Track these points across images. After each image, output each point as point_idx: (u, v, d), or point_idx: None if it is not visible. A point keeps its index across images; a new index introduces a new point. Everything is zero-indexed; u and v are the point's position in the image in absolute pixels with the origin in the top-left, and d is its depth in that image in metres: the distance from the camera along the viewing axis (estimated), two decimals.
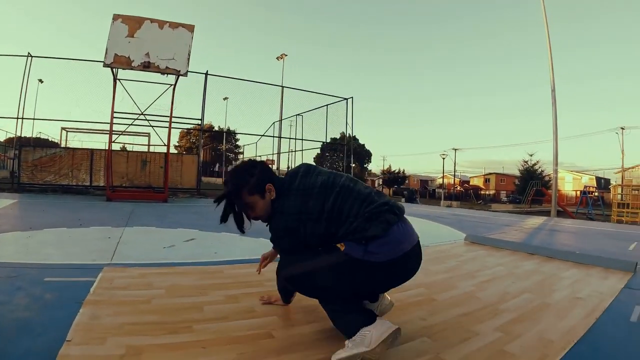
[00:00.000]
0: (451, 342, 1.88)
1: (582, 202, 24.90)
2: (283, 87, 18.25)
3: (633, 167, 43.50)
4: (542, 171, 37.23)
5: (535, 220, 12.10)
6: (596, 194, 33.96)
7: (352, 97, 18.30)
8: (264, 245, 4.33)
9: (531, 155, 39.17)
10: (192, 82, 14.24)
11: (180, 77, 10.55)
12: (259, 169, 1.82)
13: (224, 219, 1.83)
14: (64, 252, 3.56)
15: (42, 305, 2.07)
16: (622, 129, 36.40)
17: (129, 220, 6.26)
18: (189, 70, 10.44)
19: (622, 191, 20.90)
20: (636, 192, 19.09)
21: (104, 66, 9.89)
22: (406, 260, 1.67)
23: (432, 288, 2.91)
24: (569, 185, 50.64)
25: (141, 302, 2.14)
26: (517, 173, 45.67)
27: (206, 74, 14.54)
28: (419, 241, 1.77)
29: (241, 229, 1.88)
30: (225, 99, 19.69)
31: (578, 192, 31.14)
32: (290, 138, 20.82)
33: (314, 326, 1.98)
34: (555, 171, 16.17)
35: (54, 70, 13.09)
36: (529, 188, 30.65)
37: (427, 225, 8.31)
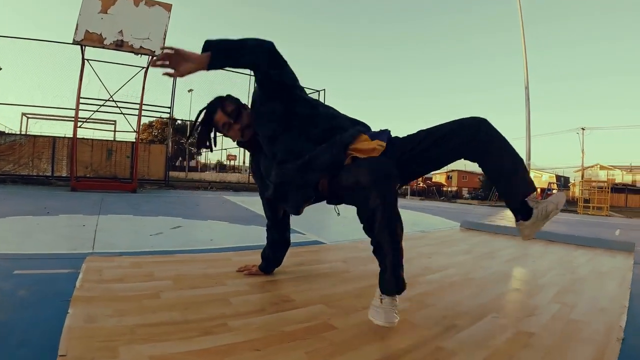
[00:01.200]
0: (519, 316, 1.76)
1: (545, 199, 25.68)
2: (251, 76, 17.42)
3: (592, 166, 45.62)
4: None
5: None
6: (555, 191, 35.44)
7: (324, 89, 17.86)
8: (257, 232, 4.01)
9: None
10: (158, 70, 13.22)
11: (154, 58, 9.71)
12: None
13: (202, 142, 1.82)
14: (34, 240, 2.95)
15: (16, 305, 1.53)
16: (583, 129, 37.63)
17: (101, 208, 5.60)
18: None
19: (581, 187, 22.67)
20: (600, 188, 20.23)
21: (73, 43, 8.84)
22: None
23: (462, 268, 2.76)
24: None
25: (147, 296, 1.64)
26: (478, 170, 44.95)
27: None
28: None
29: (210, 146, 1.86)
30: (190, 90, 18.61)
31: (539, 189, 31.87)
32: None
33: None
34: (528, 165, 16.43)
35: (12, 51, 11.86)
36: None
37: (418, 216, 8.11)
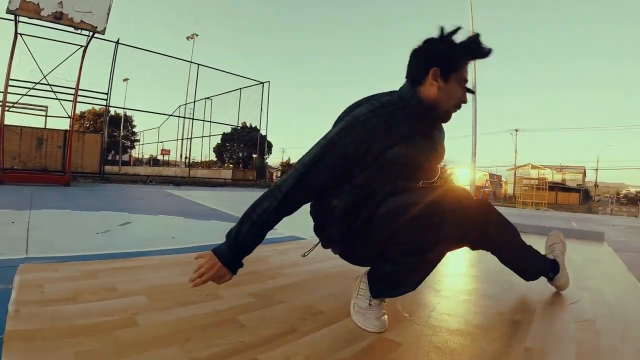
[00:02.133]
0: (564, 302, 1.70)
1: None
2: (198, 65, 16.27)
3: (524, 166, 48.50)
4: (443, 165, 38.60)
5: None
6: (488, 189, 37.49)
7: (268, 81, 17.24)
8: (221, 229, 3.46)
9: None
10: (95, 52, 11.91)
11: (93, 38, 8.67)
12: None
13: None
14: None
15: None
16: (516, 130, 39.69)
17: (32, 202, 4.77)
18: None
19: (521, 184, 24.55)
20: (539, 187, 21.77)
21: (7, 12, 7.53)
22: None
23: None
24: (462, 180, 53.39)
25: (118, 324, 1.12)
26: None
27: (117, 42, 12.45)
28: None
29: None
30: (126, 80, 17.12)
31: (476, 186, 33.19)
32: (205, 120, 18.65)
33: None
34: (474, 161, 16.91)
35: None
36: (429, 183, 31.43)
37: None
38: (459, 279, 2.08)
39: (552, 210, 19.01)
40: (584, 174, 51.72)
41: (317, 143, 1.19)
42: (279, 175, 47.91)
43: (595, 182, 53.30)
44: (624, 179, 75.67)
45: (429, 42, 1.18)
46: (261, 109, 17.40)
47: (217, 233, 3.20)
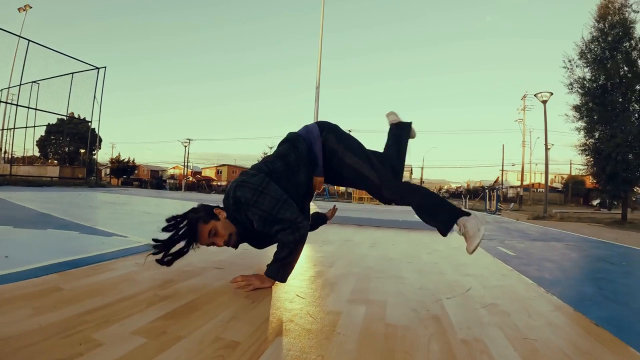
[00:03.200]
0: (461, 291, 1.86)
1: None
2: (29, 41, 13.19)
3: None
4: None
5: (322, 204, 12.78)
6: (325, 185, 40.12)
7: (105, 67, 15.03)
8: (62, 240, 2.77)
9: (270, 148, 40.15)
10: None
11: None
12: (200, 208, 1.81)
13: (167, 247, 1.74)
14: None
15: None
16: (350, 131, 42.56)
17: None
18: None
19: None
20: None
21: None
22: None
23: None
24: None
25: None
26: (247, 165, 47.30)
27: None
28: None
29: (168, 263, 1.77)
30: None
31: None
32: (30, 108, 14.98)
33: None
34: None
35: None
36: None
37: None
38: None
39: (393, 205, 21.13)
40: (411, 172, 58.91)
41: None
42: (108, 172, 42.15)
43: (421, 179, 61.84)
44: (444, 176, 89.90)
45: None
46: (94, 98, 14.94)
47: (60, 247, 2.49)
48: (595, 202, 38.47)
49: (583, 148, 12.37)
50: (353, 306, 1.53)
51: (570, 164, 42.09)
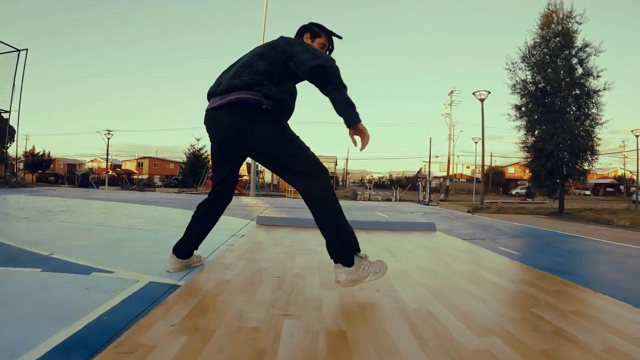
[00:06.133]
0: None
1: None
2: None
3: None
4: (207, 156, 36.79)
5: (255, 201, 12.00)
6: (261, 178, 39.10)
7: (26, 49, 12.96)
8: (30, 285, 1.81)
9: (198, 140, 38.34)
10: None
11: None
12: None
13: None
14: None
15: None
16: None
17: None
18: None
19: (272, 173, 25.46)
20: None
21: None
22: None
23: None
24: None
25: None
26: (170, 157, 45.38)
27: None
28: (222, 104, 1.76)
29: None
30: None
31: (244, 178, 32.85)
32: None
33: None
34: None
35: None
36: (206, 172, 30.08)
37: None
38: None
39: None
40: (336, 163, 59.20)
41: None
42: (21, 167, 37.34)
43: (346, 169, 62.44)
44: (364, 167, 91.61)
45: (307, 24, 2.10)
46: (13, 85, 12.82)
47: (29, 309, 1.56)
48: (514, 192, 42.11)
49: (523, 145, 13.04)
50: None
51: (491, 155, 45.12)
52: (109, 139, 32.22)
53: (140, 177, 42.34)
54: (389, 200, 21.66)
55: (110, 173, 34.76)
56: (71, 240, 3.03)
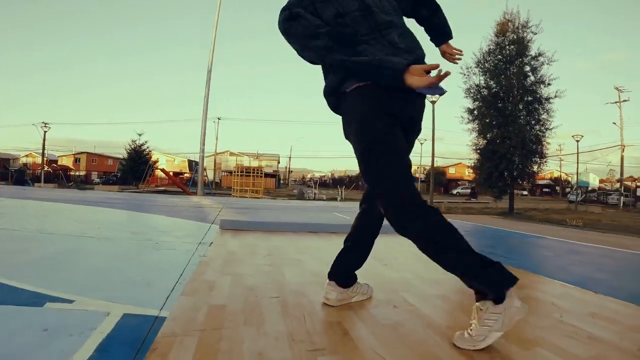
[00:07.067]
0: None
1: (191, 182, 26.25)
2: None
3: (223, 152, 50.02)
4: (149, 152, 34.97)
5: (207, 201, 11.51)
6: (187, 174, 38.25)
7: None
8: None
9: (140, 135, 36.00)
10: None
11: None
12: None
13: None
14: None
15: None
16: (219, 119, 40.61)
17: None
18: None
19: (214, 170, 24.65)
20: (250, 173, 22.13)
21: None
22: None
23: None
24: (162, 166, 50.62)
25: None
26: (108, 153, 42.93)
27: None
28: None
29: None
30: None
31: (171, 173, 31.32)
32: None
33: None
34: (202, 150, 16.01)
35: None
36: (148, 168, 28.54)
37: (159, 221, 5.95)
38: None
39: (267, 198, 20.18)
40: (278, 161, 58.44)
41: None
42: None
43: (289, 168, 61.73)
44: (306, 166, 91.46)
45: None
46: None
47: None
48: (455, 192, 44.03)
49: (475, 148, 13.47)
50: None
51: (433, 156, 46.65)
52: (45, 132, 29.63)
53: (77, 173, 39.30)
54: (335, 199, 21.49)
55: (46, 169, 32.05)
56: (12, 255, 2.51)
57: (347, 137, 1.44)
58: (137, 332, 1.34)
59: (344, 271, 1.67)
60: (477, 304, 1.25)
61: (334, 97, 1.42)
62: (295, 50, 1.37)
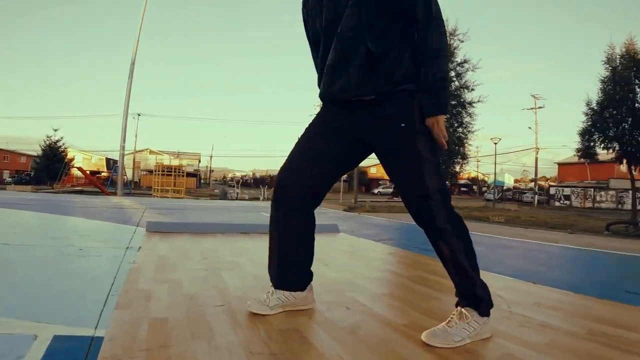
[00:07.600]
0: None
1: (110, 181, 24.88)
2: None
3: (143, 150, 46.97)
4: (65, 149, 31.96)
5: (128, 202, 10.87)
6: (105, 173, 35.85)
7: None
8: None
9: (56, 131, 32.54)
10: None
11: None
12: None
13: None
14: None
15: None
16: (139, 114, 38.45)
17: None
18: None
19: (133, 169, 23.45)
20: (174, 172, 21.15)
21: None
22: None
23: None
24: (79, 164, 46.63)
25: None
26: (21, 149, 39.81)
27: None
28: None
29: None
30: None
31: (89, 171, 29.56)
32: None
33: None
34: (122, 147, 14.89)
35: None
36: (64, 167, 26.02)
37: (80, 224, 5.28)
38: None
39: (189, 197, 19.39)
40: (199, 160, 56.42)
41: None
42: None
43: (210, 167, 59.82)
44: (227, 165, 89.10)
45: None
46: None
47: None
48: (376, 191, 46.05)
49: None
50: None
51: None
52: None
53: None
54: (257, 199, 21.31)
55: None
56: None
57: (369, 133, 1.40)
58: (72, 357, 1.15)
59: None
60: (463, 309, 1.31)
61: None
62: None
